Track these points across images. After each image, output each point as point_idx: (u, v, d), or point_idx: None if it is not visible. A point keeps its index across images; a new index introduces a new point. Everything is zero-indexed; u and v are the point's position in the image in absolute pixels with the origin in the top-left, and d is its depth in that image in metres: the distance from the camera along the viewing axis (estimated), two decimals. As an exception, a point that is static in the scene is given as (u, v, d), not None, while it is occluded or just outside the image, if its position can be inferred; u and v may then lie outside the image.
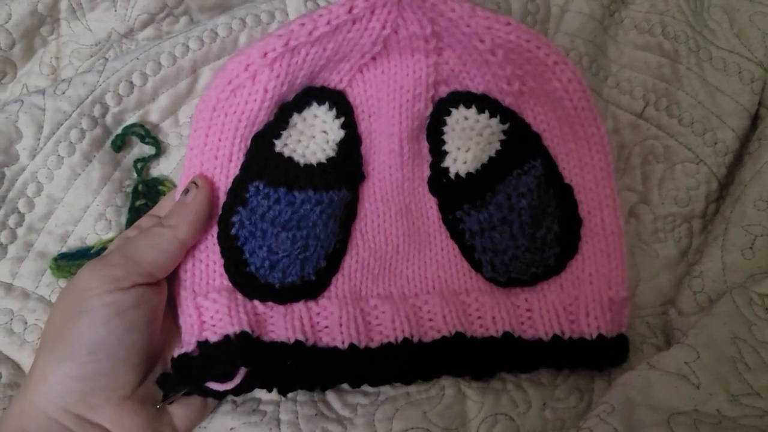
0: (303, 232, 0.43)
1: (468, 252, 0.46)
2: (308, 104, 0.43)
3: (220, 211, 0.43)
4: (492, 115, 0.44)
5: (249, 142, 0.42)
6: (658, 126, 0.54)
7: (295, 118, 0.43)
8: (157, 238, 0.40)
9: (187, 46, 0.50)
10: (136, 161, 0.50)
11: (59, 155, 0.47)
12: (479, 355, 0.44)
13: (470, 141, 0.44)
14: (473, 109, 0.43)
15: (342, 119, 0.43)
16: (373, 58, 0.43)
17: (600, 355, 0.44)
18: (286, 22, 0.52)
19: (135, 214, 0.49)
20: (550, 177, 0.45)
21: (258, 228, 0.42)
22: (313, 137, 0.43)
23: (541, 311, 0.45)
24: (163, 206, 0.45)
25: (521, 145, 0.44)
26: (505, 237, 0.44)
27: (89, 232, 0.48)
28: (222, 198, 0.43)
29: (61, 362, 0.36)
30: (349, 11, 0.40)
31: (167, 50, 0.49)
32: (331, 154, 0.43)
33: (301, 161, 0.43)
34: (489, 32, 0.41)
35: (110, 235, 0.49)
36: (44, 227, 0.48)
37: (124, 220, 0.49)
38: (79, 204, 0.48)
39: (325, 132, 0.44)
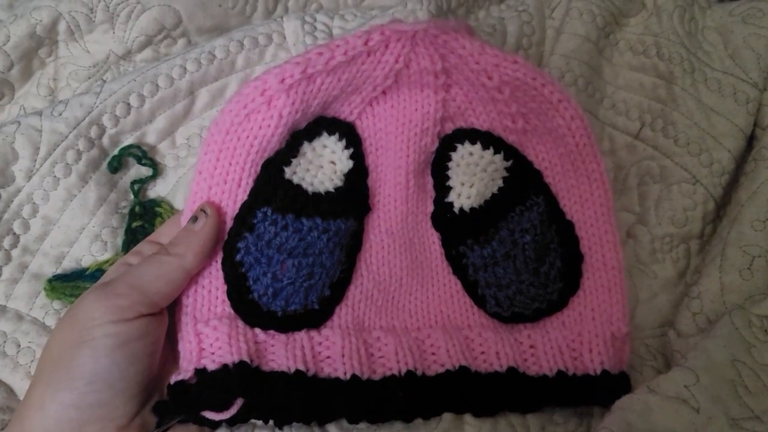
0: (309, 260, 0.43)
1: (471, 287, 0.46)
2: (319, 134, 0.44)
3: (225, 237, 0.42)
4: (496, 152, 0.45)
5: (259, 168, 0.42)
6: (654, 147, 0.54)
7: (306, 146, 0.43)
8: (163, 267, 0.39)
9: (185, 68, 0.50)
10: (133, 183, 0.50)
11: (55, 176, 0.47)
12: (483, 391, 0.43)
13: (474, 177, 0.45)
14: (478, 145, 0.45)
15: (351, 150, 0.44)
16: (384, 92, 0.44)
17: (605, 392, 0.43)
18: (285, 44, 0.53)
19: (131, 235, 0.49)
20: (552, 213, 0.45)
21: (264, 254, 0.42)
22: (321, 167, 0.44)
23: (544, 348, 0.44)
24: (163, 232, 0.44)
25: (524, 181, 0.45)
26: (509, 272, 0.45)
27: (84, 253, 0.48)
28: (228, 223, 0.42)
29: (59, 391, 0.36)
30: (365, 43, 0.41)
31: (165, 72, 0.50)
32: (339, 183, 0.44)
33: (310, 189, 0.43)
34: (497, 69, 0.42)
35: (106, 256, 0.48)
36: (39, 249, 0.48)
37: (120, 241, 0.49)
38: (74, 225, 0.48)
39: (333, 162, 0.44)
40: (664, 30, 0.56)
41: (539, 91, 0.42)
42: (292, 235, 0.42)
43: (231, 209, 0.42)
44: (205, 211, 0.41)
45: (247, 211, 0.42)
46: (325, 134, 0.44)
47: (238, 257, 0.42)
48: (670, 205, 0.52)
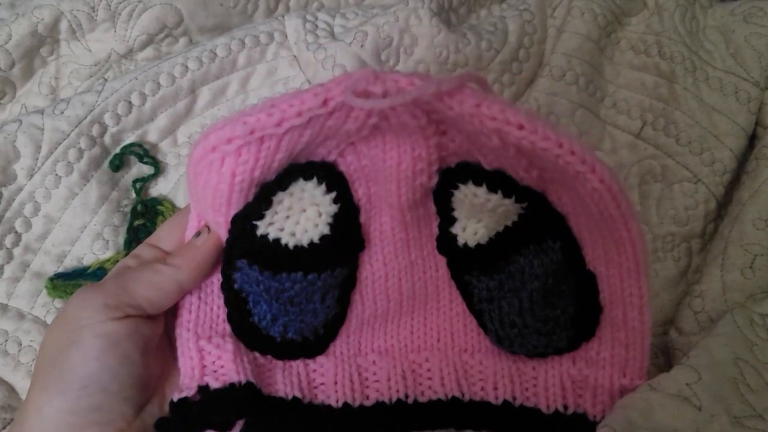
0: (296, 308, 0.41)
1: (476, 314, 0.44)
2: (294, 179, 0.38)
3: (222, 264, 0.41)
4: (506, 196, 0.37)
5: (229, 219, 0.38)
6: (655, 146, 0.54)
7: (280, 195, 0.38)
8: (156, 275, 0.39)
9: (186, 67, 0.50)
10: (135, 181, 0.50)
11: (57, 175, 0.47)
12: (474, 422, 0.42)
13: (481, 215, 0.39)
14: (483, 188, 0.37)
15: (334, 194, 0.38)
16: (365, 137, 0.37)
17: None
18: (286, 43, 0.52)
19: (133, 234, 0.49)
20: (571, 260, 0.39)
21: (254, 291, 0.40)
22: (304, 211, 0.39)
23: (547, 382, 0.42)
24: (161, 236, 0.43)
25: (541, 222, 0.39)
26: (514, 309, 0.41)
27: (86, 252, 0.48)
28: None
29: (54, 396, 0.35)
30: (323, 104, 0.33)
31: (166, 70, 0.50)
32: (326, 231, 0.39)
33: (291, 242, 0.39)
34: (498, 133, 0.33)
35: (107, 255, 0.48)
36: (41, 247, 0.47)
37: (121, 240, 0.49)
38: (76, 224, 0.48)
39: (317, 204, 0.39)
40: (666, 29, 0.56)
41: (553, 162, 0.34)
42: (273, 286, 0.40)
43: (221, 241, 0.40)
44: (208, 227, 0.41)
45: (228, 254, 0.40)
46: (300, 180, 0.38)
47: (236, 286, 0.41)
48: (672, 204, 0.52)
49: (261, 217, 0.38)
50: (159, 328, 0.40)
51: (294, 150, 0.36)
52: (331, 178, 0.38)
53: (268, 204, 0.38)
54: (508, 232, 0.39)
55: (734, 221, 0.49)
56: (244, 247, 0.39)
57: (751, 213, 0.49)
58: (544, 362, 0.43)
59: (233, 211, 0.38)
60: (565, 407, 0.41)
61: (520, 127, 0.32)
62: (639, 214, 0.53)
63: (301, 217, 0.39)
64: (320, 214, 0.39)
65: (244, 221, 0.38)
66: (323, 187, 0.38)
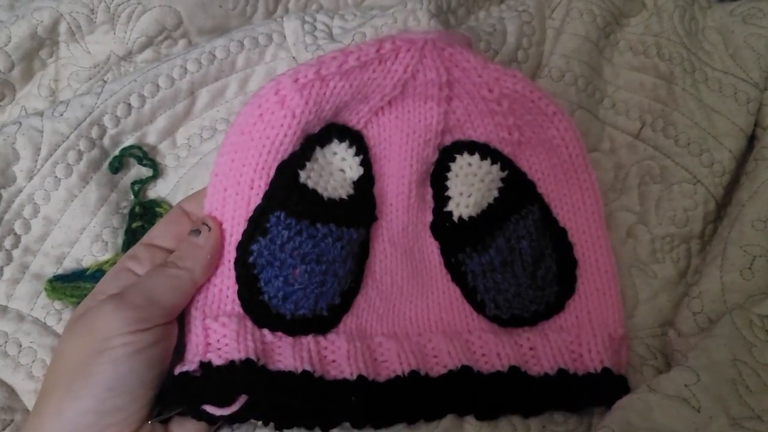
0: (322, 267, 0.43)
1: (470, 294, 0.47)
2: (330, 140, 0.44)
3: (240, 238, 0.42)
4: (493, 162, 0.46)
5: (272, 171, 0.42)
6: (654, 147, 0.54)
7: (318, 152, 0.43)
8: (175, 280, 0.40)
9: (185, 68, 0.50)
10: (134, 183, 0.50)
11: (56, 177, 0.47)
12: (486, 391, 0.43)
13: (473, 186, 0.46)
14: (476, 156, 0.46)
15: (361, 157, 0.45)
16: (389, 103, 0.45)
17: (606, 390, 0.43)
18: (285, 44, 0.53)
19: (132, 236, 0.49)
20: (546, 221, 0.47)
21: (276, 258, 0.42)
22: (332, 174, 0.44)
23: (544, 349, 0.45)
24: (155, 234, 0.44)
25: (518, 191, 0.46)
26: (507, 277, 0.45)
27: (85, 253, 0.48)
28: (242, 225, 0.42)
29: (78, 399, 0.36)
30: (377, 51, 0.42)
31: (165, 72, 0.50)
32: (351, 191, 0.44)
33: (325, 195, 0.43)
34: (497, 83, 0.44)
35: (106, 256, 0.48)
36: (40, 249, 0.48)
37: (120, 241, 0.49)
38: (75, 226, 0.48)
39: (342, 170, 0.44)
40: (665, 30, 0.56)
41: (536, 104, 0.44)
42: (306, 241, 0.42)
43: (245, 211, 0.42)
44: (207, 225, 0.42)
45: (260, 214, 0.42)
46: (335, 141, 0.44)
47: (251, 259, 0.42)
48: (671, 205, 0.52)
49: (303, 166, 0.42)
50: (176, 328, 0.41)
51: (340, 102, 0.42)
52: (360, 144, 0.45)
53: (310, 157, 0.43)
54: (492, 208, 0.46)
55: (733, 222, 0.49)
56: (285, 195, 0.42)
57: (750, 214, 0.49)
58: (537, 333, 0.46)
59: (277, 161, 0.42)
60: (567, 369, 0.44)
61: (514, 76, 0.44)
62: (638, 214, 0.53)
63: (333, 174, 0.44)
64: (345, 178, 0.44)
65: (289, 168, 0.42)
66: (353, 149, 0.44)
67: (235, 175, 0.42)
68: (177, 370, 0.40)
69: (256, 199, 0.42)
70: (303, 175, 0.42)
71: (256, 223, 0.42)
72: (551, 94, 0.46)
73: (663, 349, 0.49)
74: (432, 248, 0.47)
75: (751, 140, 0.54)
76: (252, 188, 0.42)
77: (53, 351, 0.44)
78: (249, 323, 0.42)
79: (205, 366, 0.40)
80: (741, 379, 0.40)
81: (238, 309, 0.42)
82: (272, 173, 0.42)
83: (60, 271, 0.48)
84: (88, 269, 0.48)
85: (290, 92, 0.41)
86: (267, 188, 0.42)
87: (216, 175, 0.42)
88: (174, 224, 0.44)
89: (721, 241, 0.50)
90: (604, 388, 0.43)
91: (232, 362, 0.40)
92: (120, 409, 0.37)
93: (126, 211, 0.50)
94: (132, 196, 0.50)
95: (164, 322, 0.39)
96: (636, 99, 0.55)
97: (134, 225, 0.49)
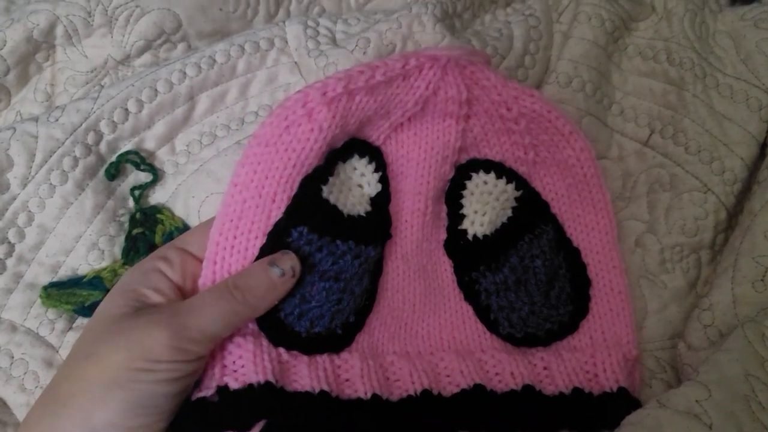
0: (340, 285, 0.42)
1: (483, 312, 0.46)
2: (351, 155, 0.44)
3: (256, 252, 0.41)
4: (508, 181, 0.46)
5: (296, 185, 0.41)
6: (664, 154, 0.53)
7: (339, 167, 0.43)
8: (236, 318, 0.39)
9: (184, 73, 0.50)
10: (133, 188, 0.49)
11: (51, 184, 0.46)
12: (500, 410, 0.43)
13: (487, 205, 0.46)
14: (492, 174, 0.46)
15: (380, 174, 0.45)
16: (409, 119, 0.45)
17: (624, 410, 0.42)
18: (286, 49, 0.52)
19: (132, 242, 0.48)
20: (560, 241, 0.47)
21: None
22: (350, 190, 0.44)
23: (558, 368, 0.44)
24: (190, 240, 0.43)
25: (532, 211, 0.47)
26: (521, 296, 0.45)
27: (81, 262, 0.47)
28: (261, 239, 0.41)
29: (111, 410, 0.36)
30: (403, 66, 0.42)
31: (164, 77, 0.49)
32: (368, 208, 0.44)
33: (345, 211, 0.43)
34: (516, 102, 0.44)
35: (103, 264, 0.48)
36: (35, 258, 0.47)
37: (117, 250, 0.48)
38: (71, 234, 0.47)
39: (361, 186, 0.44)
40: (675, 34, 0.55)
41: (553, 123, 0.45)
42: (326, 258, 0.42)
43: (264, 224, 0.41)
44: (294, 269, 0.40)
45: (282, 229, 0.41)
46: (356, 156, 0.44)
47: None
48: (681, 213, 0.51)
49: (326, 181, 0.42)
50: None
51: (364, 117, 0.42)
52: (380, 159, 0.45)
53: (332, 171, 0.42)
54: (506, 227, 0.46)
55: (745, 232, 0.48)
56: (308, 210, 0.41)
57: (762, 224, 0.48)
58: (551, 353, 0.45)
59: (301, 175, 0.41)
60: (582, 388, 0.44)
61: (532, 95, 0.44)
62: (647, 223, 0.52)
63: (351, 189, 0.44)
64: (363, 194, 0.44)
65: (313, 183, 0.41)
66: (373, 165, 0.44)
67: (257, 187, 0.41)
68: (194, 396, 0.39)
69: (277, 213, 0.41)
70: (326, 191, 0.42)
71: (277, 238, 0.41)
72: (559, 101, 0.47)
73: (673, 363, 0.49)
74: (445, 266, 0.47)
75: (764, 148, 0.53)
76: (274, 201, 0.41)
77: (72, 347, 0.42)
78: (265, 342, 0.41)
79: (223, 391, 0.39)
80: (753, 395, 0.39)
81: (253, 327, 0.42)
82: (296, 187, 0.41)
83: (55, 279, 0.47)
84: (84, 276, 0.47)
85: (318, 105, 0.40)
86: (289, 202, 0.41)
87: (235, 185, 0.41)
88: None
89: (732, 252, 0.49)
90: (620, 408, 0.42)
91: (250, 386, 0.39)
92: (143, 428, 0.37)
93: (123, 218, 0.49)
94: (129, 204, 0.49)
95: (209, 352, 0.39)
96: (645, 105, 0.54)
97: (135, 231, 0.48)
